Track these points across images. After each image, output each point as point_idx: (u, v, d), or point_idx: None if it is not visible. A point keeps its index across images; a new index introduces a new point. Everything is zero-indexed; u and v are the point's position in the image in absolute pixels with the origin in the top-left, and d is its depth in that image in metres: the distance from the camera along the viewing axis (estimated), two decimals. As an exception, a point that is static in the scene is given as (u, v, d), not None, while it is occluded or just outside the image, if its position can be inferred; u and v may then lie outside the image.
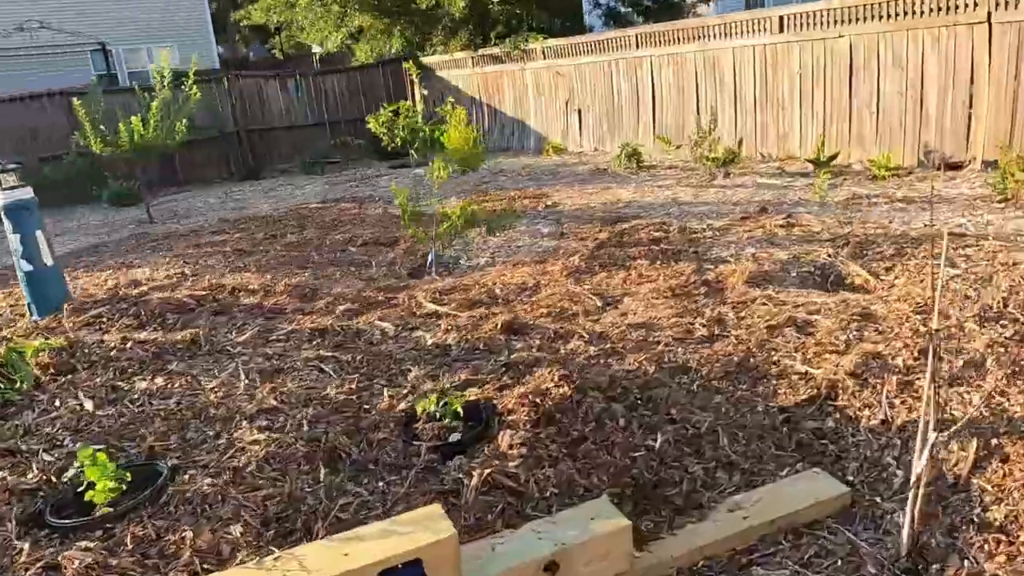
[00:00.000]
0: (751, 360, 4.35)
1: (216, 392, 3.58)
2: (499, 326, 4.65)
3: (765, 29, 11.16)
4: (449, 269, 7.09)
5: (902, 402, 3.89)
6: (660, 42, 12.74)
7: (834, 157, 10.01)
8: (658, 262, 6.38)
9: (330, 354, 4.17)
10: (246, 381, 3.77)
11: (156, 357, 4.02)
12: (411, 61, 18.03)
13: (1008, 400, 3.68)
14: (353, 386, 3.82)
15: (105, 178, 14.23)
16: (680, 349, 4.45)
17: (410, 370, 4.02)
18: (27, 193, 5.18)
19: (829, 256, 6.31)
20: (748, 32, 11.39)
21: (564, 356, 4.28)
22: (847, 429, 3.74)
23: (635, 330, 4.75)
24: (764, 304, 5.27)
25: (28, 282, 5.12)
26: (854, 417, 3.86)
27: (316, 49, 22.31)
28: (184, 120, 11.39)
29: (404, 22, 17.39)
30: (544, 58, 14.94)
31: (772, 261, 6.26)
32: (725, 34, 11.73)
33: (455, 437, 3.29)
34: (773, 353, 4.44)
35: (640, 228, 7.53)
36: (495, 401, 3.59)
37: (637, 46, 13.19)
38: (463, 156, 13.01)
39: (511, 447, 3.19)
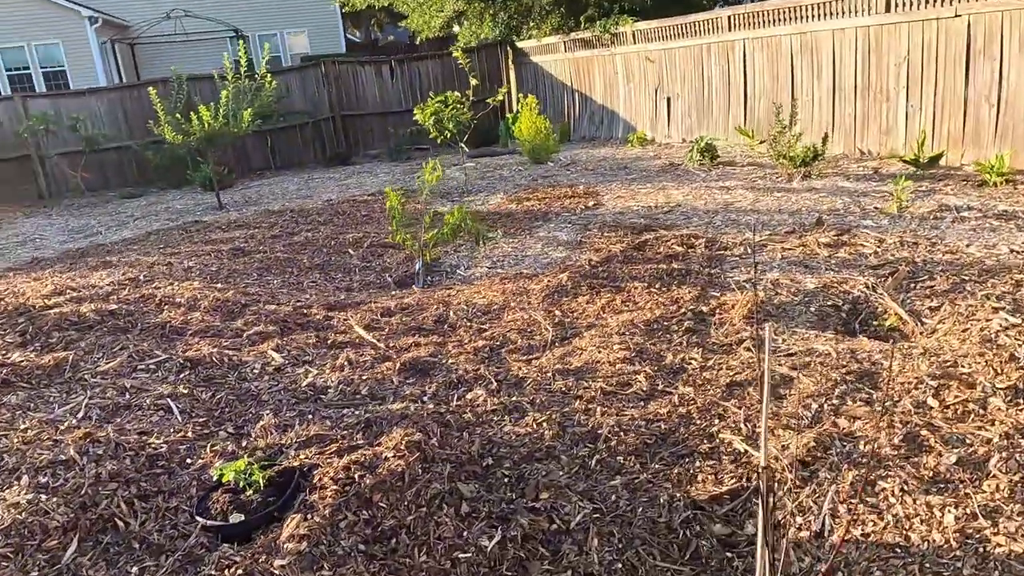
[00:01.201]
0: (682, 429, 3.53)
1: (24, 434, 3.28)
2: (399, 366, 4.08)
3: (869, 8, 9.69)
4: (444, 276, 6.56)
5: (851, 510, 2.98)
6: (754, 24, 11.45)
7: (938, 158, 8.54)
8: (659, 284, 5.53)
9: (187, 391, 3.79)
10: (72, 421, 3.45)
11: (3, 385, 3.80)
12: (507, 46, 17.59)
13: (999, 522, 2.70)
14: (189, 433, 3.41)
15: (199, 163, 14.77)
16: (601, 408, 3.69)
17: (263, 417, 3.55)
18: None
19: (866, 287, 5.21)
20: (850, 12, 9.94)
21: (453, 409, 3.65)
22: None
23: (565, 377, 4.03)
24: (749, 350, 4.36)
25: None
26: (781, 523, 2.99)
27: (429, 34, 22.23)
28: (250, 110, 11.49)
29: (499, 5, 16.86)
30: (634, 42, 13.94)
31: (793, 290, 5.26)
32: (824, 14, 10.32)
33: (237, 518, 2.78)
34: (716, 422, 3.59)
35: (665, 240, 6.64)
36: (319, 469, 3.04)
37: (729, 28, 11.95)
38: (532, 147, 12.38)
39: (291, 538, 2.64)
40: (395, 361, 4.17)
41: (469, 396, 3.79)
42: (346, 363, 4.16)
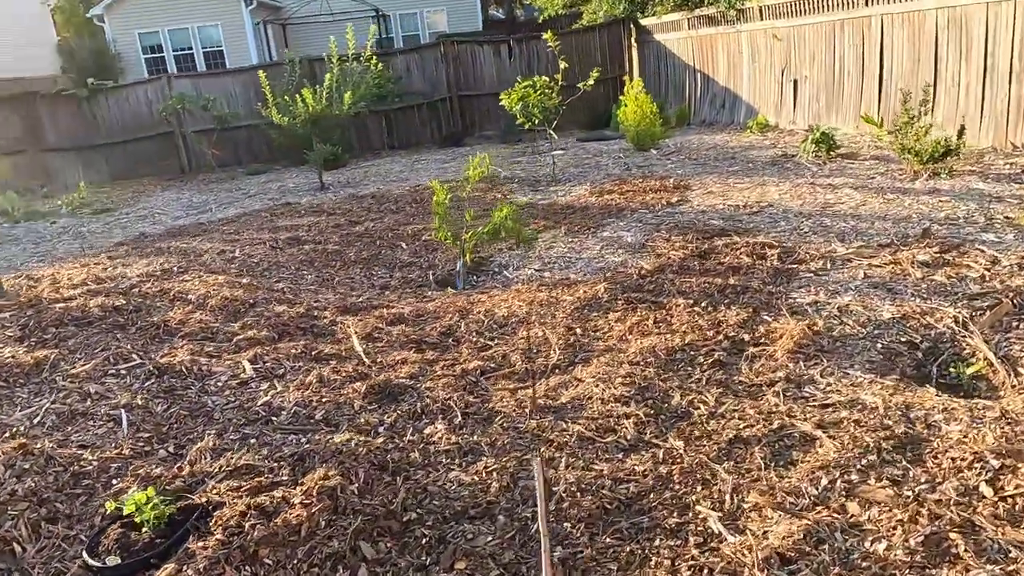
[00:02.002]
0: (654, 495, 2.99)
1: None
2: (370, 388, 3.77)
3: (1032, -25, 8.22)
4: (490, 277, 6.20)
5: (825, 634, 2.37)
6: (894, -5, 10.10)
7: (1104, 157, 7.11)
8: (705, 303, 4.88)
9: (144, 402, 3.67)
10: (24, 427, 3.42)
11: (-20, 383, 3.87)
12: (630, 23, 16.76)
13: None
14: (126, 450, 3.28)
15: (315, 142, 15.20)
16: (569, 458, 3.21)
17: (205, 438, 3.36)
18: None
19: (955, 322, 4.33)
20: (1008, -20, 8.48)
21: (402, 445, 3.30)
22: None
23: (544, 415, 3.57)
24: (778, 395, 3.70)
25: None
26: (733, 641, 2.44)
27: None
28: (350, 93, 11.56)
29: (622, -21, 16.07)
30: (761, 18, 12.77)
31: (863, 320, 4.46)
32: (977, -16, 8.89)
33: (114, 560, 2.59)
34: (698, 489, 3.02)
35: (735, 247, 5.91)
36: (222, 510, 2.79)
37: (866, 2, 10.61)
38: (636, 133, 11.68)
39: (154, 593, 2.42)
40: (370, 381, 3.87)
41: (427, 431, 3.43)
42: (316, 380, 3.91)
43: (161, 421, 3.58)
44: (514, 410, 3.60)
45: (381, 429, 3.46)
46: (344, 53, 12.24)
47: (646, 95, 11.58)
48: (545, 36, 10.10)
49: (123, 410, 3.64)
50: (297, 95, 11.51)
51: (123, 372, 4.06)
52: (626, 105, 11.74)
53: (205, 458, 3.22)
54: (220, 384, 3.94)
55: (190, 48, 28.06)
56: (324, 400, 3.70)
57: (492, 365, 4.15)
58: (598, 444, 3.32)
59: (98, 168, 17.66)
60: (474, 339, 4.58)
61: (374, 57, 12.25)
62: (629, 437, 3.35)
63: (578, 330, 4.63)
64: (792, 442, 3.29)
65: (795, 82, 12.27)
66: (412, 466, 3.16)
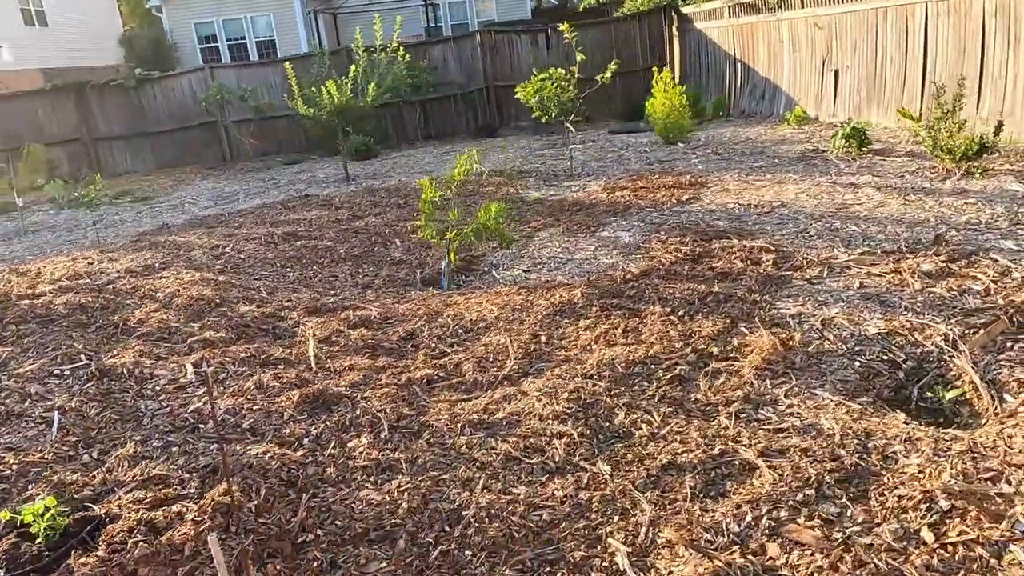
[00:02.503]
0: (566, 524, 2.82)
1: None
2: (306, 396, 3.68)
3: (1085, -42, 7.61)
4: (478, 276, 6.07)
5: None
6: (938, -19, 9.51)
7: None
8: (684, 311, 4.65)
9: (79, 405, 3.66)
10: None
11: (-74, 381, 3.91)
12: (671, 11, 16.29)
13: None
14: (49, 455, 3.28)
15: (348, 133, 15.27)
16: (487, 479, 3.06)
17: (128, 444, 3.32)
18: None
19: (945, 341, 4.00)
20: (1059, -37, 7.89)
21: (321, 460, 3.20)
22: None
23: (476, 431, 3.42)
24: (730, 417, 3.48)
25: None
26: None
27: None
28: (373, 85, 11.52)
29: (663, -35, 15.61)
30: (802, 6, 12.22)
31: (846, 334, 4.18)
32: (1027, -32, 8.28)
33: (-4, 572, 2.57)
34: (615, 519, 2.83)
35: (731, 251, 5.63)
36: (116, 523, 2.74)
37: (910, -12, 10.03)
38: (665, 125, 11.34)
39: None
40: (309, 389, 3.79)
41: (352, 444, 3.33)
42: (255, 387, 3.85)
43: (91, 425, 3.58)
44: (446, 425, 3.46)
45: (306, 441, 3.37)
46: (371, 44, 12.20)
47: (676, 86, 11.22)
48: (562, 27, 9.80)
49: (57, 412, 3.65)
50: (322, 86, 11.52)
51: (67, 373, 4.08)
52: (655, 97, 11.40)
53: (123, 466, 3.19)
54: (158, 388, 3.92)
55: (243, 38, 28.58)
56: (255, 408, 3.64)
57: (442, 374, 4.03)
58: (523, 465, 3.17)
59: (145, 156, 18.15)
60: (433, 345, 4.46)
61: (401, 48, 12.17)
62: (557, 459, 3.19)
63: (543, 338, 4.46)
64: (729, 471, 3.07)
65: (836, 73, 11.72)
66: (324, 482, 3.06)
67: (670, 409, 3.57)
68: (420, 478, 3.07)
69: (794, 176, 8.08)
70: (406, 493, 2.98)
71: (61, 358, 4.24)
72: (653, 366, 4.00)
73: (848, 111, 11.49)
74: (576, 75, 9.34)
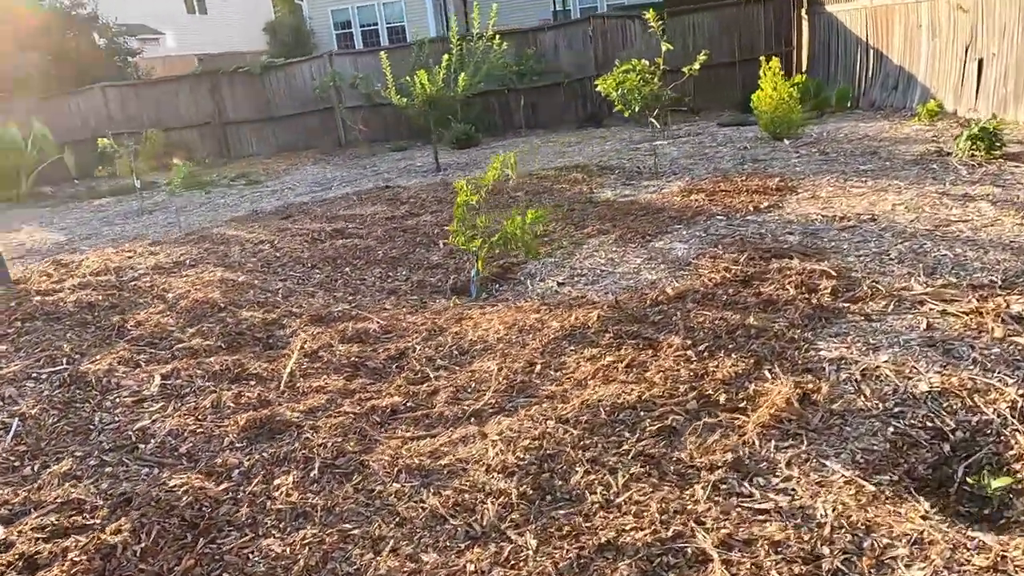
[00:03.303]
0: (463, 609, 2.45)
1: None
2: (253, 422, 3.47)
3: None
4: (512, 286, 5.71)
5: None
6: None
7: None
8: (704, 346, 4.09)
9: (40, 412, 3.61)
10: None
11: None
12: (801, -9, 15.01)
13: None
14: (-9, 464, 3.26)
15: (449, 121, 15.23)
16: (400, 542, 2.73)
17: (66, 460, 3.25)
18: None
19: (1012, 409, 3.25)
20: None
21: (238, 498, 2.99)
22: None
23: (412, 479, 3.09)
24: (707, 488, 2.96)
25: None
26: None
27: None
28: (464, 75, 11.31)
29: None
30: (945, -16, 10.82)
31: (887, 391, 3.51)
32: None
33: None
34: (521, 608, 2.43)
35: (788, 274, 4.94)
36: (5, 553, 2.65)
37: (1073, -38, 8.58)
38: (771, 119, 10.40)
39: None
40: (261, 413, 3.60)
41: (277, 481, 3.09)
42: (210, 406, 3.70)
43: (44, 435, 3.56)
44: (384, 468, 3.16)
45: (235, 473, 3.18)
46: (467, 32, 12.00)
47: (781, 76, 10.25)
48: (647, 15, 9.11)
49: (17, 419, 3.67)
50: (414, 76, 11.45)
51: (44, 377, 4.12)
52: (762, 88, 10.47)
53: (52, 484, 3.13)
54: (119, 400, 3.87)
55: (375, 24, 29.33)
56: (199, 432, 3.49)
57: (410, 404, 3.72)
58: (446, 526, 2.81)
59: (268, 140, 18.98)
60: (419, 368, 4.16)
61: (497, 36, 11.87)
62: (485, 523, 2.81)
63: (537, 367, 4.05)
64: (676, 561, 2.57)
65: (979, 62, 10.29)
66: (231, 524, 2.85)
67: (641, 470, 3.09)
68: (330, 531, 2.79)
69: (901, 183, 7.10)
70: (308, 548, 2.71)
71: (45, 360, 4.31)
72: (643, 412, 3.51)
73: (991, 106, 10.06)
74: (662, 67, 8.67)
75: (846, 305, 4.46)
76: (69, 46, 20.24)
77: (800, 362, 3.85)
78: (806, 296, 4.60)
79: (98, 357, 4.33)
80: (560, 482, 3.03)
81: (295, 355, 4.28)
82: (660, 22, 15.27)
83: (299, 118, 18.42)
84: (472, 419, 3.56)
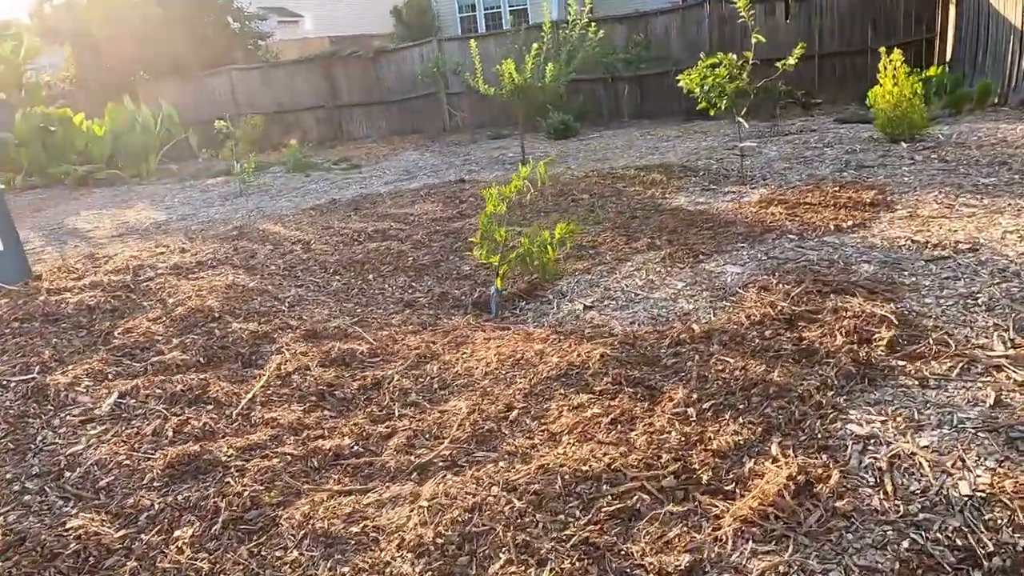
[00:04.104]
0: None
1: None
2: (173, 457, 3.23)
3: None
4: (539, 304, 5.25)
5: None
6: None
7: None
8: (710, 404, 3.50)
9: None
10: None
11: None
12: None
13: None
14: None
15: (548, 110, 14.77)
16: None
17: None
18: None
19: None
20: None
21: (134, 549, 2.75)
22: None
23: (314, 547, 2.74)
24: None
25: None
26: None
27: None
28: (551, 65, 10.80)
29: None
30: (1119, -39, 9.18)
31: (916, 489, 2.83)
32: None
33: None
34: None
35: (843, 316, 4.19)
36: None
37: None
38: (888, 119, 9.24)
39: None
40: (190, 448, 3.35)
41: (177, 534, 2.84)
42: (151, 434, 3.50)
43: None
44: (294, 528, 2.83)
45: (142, 518, 2.96)
46: (561, 19, 11.46)
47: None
48: (738, 2, 8.17)
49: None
50: (503, 65, 11.06)
51: (12, 385, 4.07)
52: (881, 83, 9.31)
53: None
54: (68, 418, 3.74)
55: (498, 7, 29.10)
56: (126, 464, 3.29)
57: (357, 448, 3.38)
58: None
59: (378, 124, 19.25)
60: (388, 402, 3.81)
61: (592, 24, 11.26)
62: (377, 614, 2.42)
63: (514, 413, 3.60)
64: None
65: None
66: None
67: (575, 565, 2.60)
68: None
69: (1020, 204, 6.01)
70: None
71: (20, 367, 4.29)
72: (607, 486, 2.99)
73: None
74: (751, 60, 7.82)
75: (901, 363, 3.70)
76: (206, 31, 21.32)
77: (819, 436, 3.20)
78: (854, 347, 3.87)
79: (70, 367, 4.28)
80: (475, 572, 2.60)
81: (265, 377, 4.05)
82: (786, 6, 13.94)
83: (407, 103, 18.53)
84: (415, 474, 3.18)
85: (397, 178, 11.83)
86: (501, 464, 3.18)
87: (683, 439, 3.25)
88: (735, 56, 7.78)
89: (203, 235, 7.49)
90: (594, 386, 3.76)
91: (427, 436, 3.47)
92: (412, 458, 3.29)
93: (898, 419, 3.25)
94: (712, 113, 8.07)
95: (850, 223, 6.00)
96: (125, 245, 8.22)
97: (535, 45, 11.01)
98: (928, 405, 3.33)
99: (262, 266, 5.86)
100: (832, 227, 5.97)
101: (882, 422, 3.24)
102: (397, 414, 3.70)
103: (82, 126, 17.26)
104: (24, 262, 5.44)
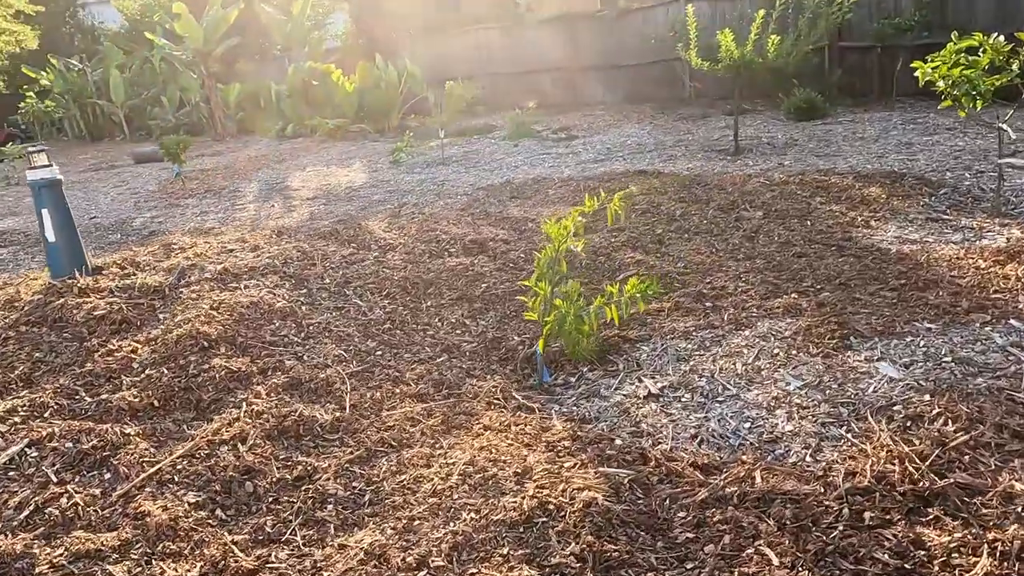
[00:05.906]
0: None
1: None
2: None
3: None
4: (599, 378, 4.00)
5: None
6: None
7: None
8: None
9: None
10: None
11: None
12: None
13: None
14: None
15: (793, 84, 12.58)
16: None
17: None
18: (39, 174, 5.11)
19: None
20: None
21: None
22: None
23: None
24: None
25: (45, 249, 5.34)
26: None
27: None
28: (775, 38, 8.86)
29: None
30: None
31: None
32: None
33: None
34: None
35: (1017, 499, 2.49)
36: None
37: None
38: None
39: None
40: (18, 541, 2.74)
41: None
42: (9, 510, 2.95)
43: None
44: None
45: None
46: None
47: None
48: None
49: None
50: (720, 36, 9.34)
51: None
52: None
53: None
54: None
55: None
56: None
57: (310, 518, 2.57)
58: None
59: (615, 89, 18.07)
60: (290, 513, 2.92)
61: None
62: None
63: (523, 492, 2.56)
64: None
65: None
66: None
67: None
68: None
69: None
70: None
71: (10, 385, 4.01)
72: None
73: None
74: (1027, 43, 5.44)
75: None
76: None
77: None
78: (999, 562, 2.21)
79: (22, 394, 3.95)
80: None
81: (189, 445, 3.38)
82: None
83: (644, 68, 17.13)
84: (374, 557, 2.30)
85: (594, 158, 10.72)
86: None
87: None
88: (1004, 39, 5.47)
89: (309, 227, 7.15)
90: (550, 557, 2.56)
91: (395, 522, 2.59)
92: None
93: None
94: (962, 115, 5.84)
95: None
96: (279, 219, 8.19)
97: (759, 13, 9.11)
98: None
99: (316, 278, 5.23)
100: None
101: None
102: (286, 537, 2.82)
103: (338, 82, 18.28)
104: (80, 255, 5.37)
